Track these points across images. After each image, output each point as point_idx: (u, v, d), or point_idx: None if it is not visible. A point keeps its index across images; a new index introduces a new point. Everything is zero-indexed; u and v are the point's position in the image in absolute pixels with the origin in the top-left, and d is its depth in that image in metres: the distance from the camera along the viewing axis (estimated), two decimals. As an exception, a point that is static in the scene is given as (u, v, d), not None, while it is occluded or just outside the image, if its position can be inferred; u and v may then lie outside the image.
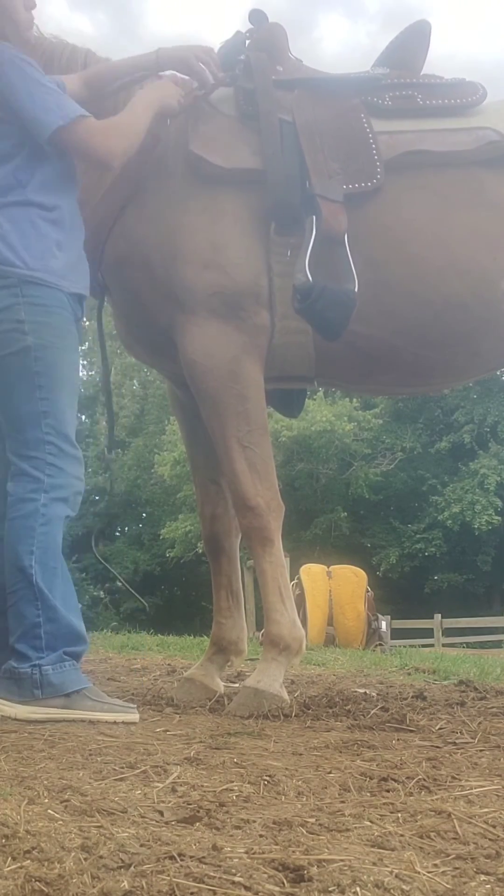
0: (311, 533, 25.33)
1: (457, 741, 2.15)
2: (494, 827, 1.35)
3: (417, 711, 2.65)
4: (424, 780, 1.66)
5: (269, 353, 2.73)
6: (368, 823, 1.35)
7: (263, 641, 2.72)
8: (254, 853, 1.17)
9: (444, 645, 15.91)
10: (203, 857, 1.14)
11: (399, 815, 1.41)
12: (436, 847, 1.25)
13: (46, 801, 1.42)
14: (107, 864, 1.11)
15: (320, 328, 2.60)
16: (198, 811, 1.39)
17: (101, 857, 1.13)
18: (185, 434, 3.16)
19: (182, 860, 1.13)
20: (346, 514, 26.06)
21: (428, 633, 17.57)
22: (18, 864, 1.09)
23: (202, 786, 1.57)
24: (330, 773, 1.73)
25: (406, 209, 2.73)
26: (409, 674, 4.31)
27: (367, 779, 1.67)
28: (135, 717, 2.34)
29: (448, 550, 26.00)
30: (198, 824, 1.33)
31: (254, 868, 1.11)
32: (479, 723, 2.43)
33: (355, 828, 1.32)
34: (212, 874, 1.08)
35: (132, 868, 1.10)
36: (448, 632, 18.19)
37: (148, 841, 1.22)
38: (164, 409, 25.41)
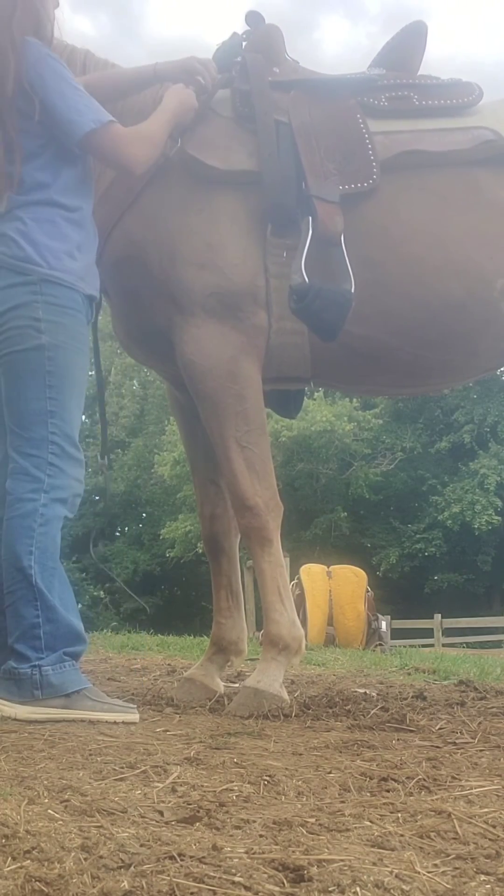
0: (311, 533, 25.34)
1: (457, 741, 2.15)
2: (494, 827, 1.35)
3: (417, 711, 2.65)
4: (424, 780, 1.66)
5: (266, 353, 2.73)
6: (368, 823, 1.35)
7: (263, 641, 2.72)
8: (254, 853, 1.17)
9: (444, 645, 15.91)
10: (203, 857, 1.14)
11: (399, 815, 1.41)
12: (436, 847, 1.25)
13: (46, 801, 1.42)
14: (107, 864, 1.11)
15: (316, 329, 2.61)
16: (198, 811, 1.39)
17: (101, 857, 1.14)
18: (185, 434, 3.17)
19: (182, 860, 1.13)
20: (346, 514, 26.07)
21: (428, 633, 17.57)
22: (18, 864, 1.10)
23: (202, 786, 1.57)
24: (330, 773, 1.73)
25: (402, 209, 2.74)
26: (409, 674, 4.31)
27: (367, 779, 1.67)
28: (135, 717, 2.33)
29: (448, 550, 26.01)
30: (198, 824, 1.33)
31: (254, 868, 1.11)
32: (479, 723, 2.43)
33: (355, 828, 1.32)
34: (212, 874, 1.08)
35: (132, 868, 1.10)
36: (448, 632, 18.19)
37: (148, 841, 1.22)
38: (164, 409, 25.42)
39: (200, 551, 18.43)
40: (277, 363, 2.77)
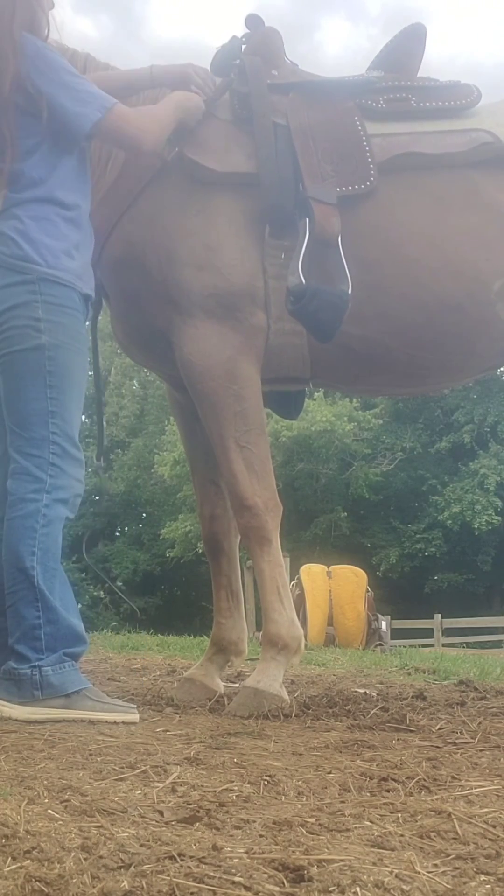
0: (311, 533, 25.35)
1: (457, 741, 2.15)
2: (494, 827, 1.35)
3: (417, 711, 2.65)
4: (424, 780, 1.66)
5: (265, 354, 2.73)
6: (368, 823, 1.35)
7: (262, 641, 2.72)
8: (254, 853, 1.17)
9: (444, 645, 15.91)
10: (203, 857, 1.14)
11: (399, 815, 1.41)
12: (436, 847, 1.25)
13: (46, 801, 1.42)
14: (107, 864, 1.11)
15: (313, 330, 2.61)
16: (198, 811, 1.39)
17: (101, 857, 1.14)
18: (184, 435, 3.17)
19: (182, 860, 1.13)
20: (346, 514, 26.09)
21: (428, 633, 17.57)
22: (18, 864, 1.10)
23: (202, 786, 1.57)
24: (330, 773, 1.73)
25: (400, 211, 2.74)
26: (409, 674, 4.31)
27: (367, 779, 1.68)
28: (135, 717, 2.34)
29: (448, 550, 26.02)
30: (198, 824, 1.33)
31: (254, 868, 1.11)
32: (479, 723, 2.43)
33: (355, 828, 1.32)
34: (212, 874, 1.08)
35: (132, 868, 1.10)
36: (448, 632, 18.19)
37: (148, 841, 1.22)
38: (164, 409, 25.43)
39: (200, 551, 18.43)
40: (276, 364, 2.77)
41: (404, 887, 1.06)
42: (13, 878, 1.05)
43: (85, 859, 1.13)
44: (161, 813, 1.39)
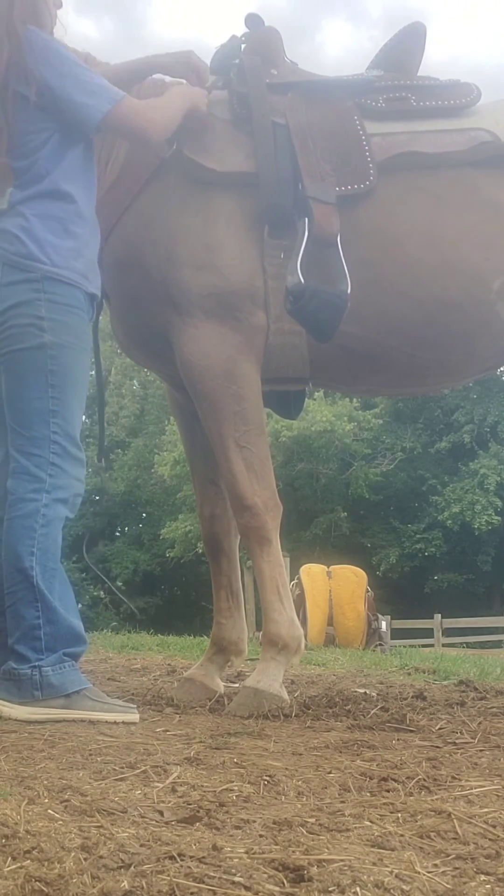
0: (311, 533, 25.35)
1: (457, 741, 2.15)
2: (494, 827, 1.35)
3: (417, 711, 2.65)
4: (424, 780, 1.66)
5: (264, 353, 2.73)
6: (368, 823, 1.35)
7: (262, 641, 2.72)
8: (254, 853, 1.17)
9: (444, 645, 15.91)
10: (203, 857, 1.14)
11: (399, 815, 1.41)
12: (436, 847, 1.25)
13: (46, 801, 1.42)
14: (107, 864, 1.11)
15: (312, 330, 2.61)
16: (198, 811, 1.39)
17: (101, 857, 1.14)
18: (184, 435, 3.17)
19: (182, 860, 1.13)
20: (346, 514, 26.08)
21: (428, 633, 17.57)
22: (18, 864, 1.10)
23: (202, 786, 1.57)
24: (330, 773, 1.73)
25: (399, 210, 2.74)
26: (409, 674, 4.31)
27: (367, 779, 1.67)
28: (135, 717, 2.34)
29: (448, 550, 26.02)
30: (198, 824, 1.33)
31: (254, 868, 1.11)
32: (479, 723, 2.43)
33: (355, 828, 1.32)
34: (212, 874, 1.08)
35: (132, 868, 1.10)
36: (448, 632, 18.19)
37: (148, 841, 1.22)
38: (164, 409, 25.43)
39: (200, 551, 18.43)
40: (276, 363, 2.77)
41: (404, 887, 1.06)
42: (13, 878, 1.05)
43: (85, 859, 1.13)
44: (161, 813, 1.39)
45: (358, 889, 1.05)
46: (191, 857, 1.14)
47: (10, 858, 1.12)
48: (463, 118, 2.83)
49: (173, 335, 2.72)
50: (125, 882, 1.05)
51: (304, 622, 8.53)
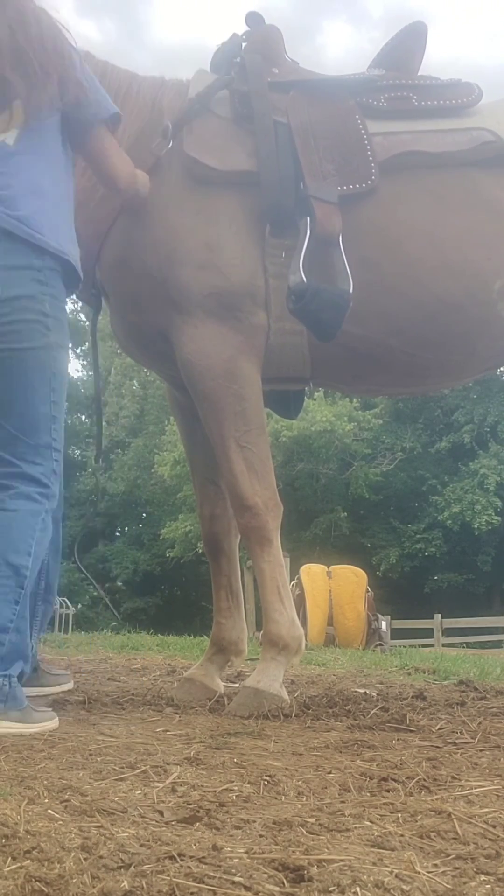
0: (311, 533, 25.35)
1: (457, 741, 2.15)
2: (494, 827, 1.35)
3: (417, 711, 2.65)
4: (424, 780, 1.66)
5: (265, 353, 2.73)
6: (368, 823, 1.35)
7: (262, 641, 2.72)
8: (254, 853, 1.17)
9: (444, 645, 15.92)
10: (203, 857, 1.14)
11: (399, 815, 1.41)
12: (436, 847, 1.25)
13: (46, 801, 1.42)
14: (107, 864, 1.11)
15: (314, 329, 2.61)
16: (198, 811, 1.39)
17: (101, 857, 1.14)
18: (184, 435, 3.17)
19: (182, 860, 1.13)
20: (346, 514, 26.09)
21: (428, 633, 17.57)
22: (18, 864, 1.10)
23: (202, 786, 1.57)
24: (330, 773, 1.73)
25: (401, 210, 2.74)
26: (409, 674, 4.31)
27: (367, 779, 1.67)
28: (55, 723, 2.21)
29: (448, 550, 26.02)
30: (198, 824, 1.33)
31: (254, 868, 1.11)
32: (479, 723, 2.43)
33: (355, 828, 1.32)
34: (212, 874, 1.08)
35: (132, 868, 1.10)
36: (448, 632, 18.19)
37: (148, 841, 1.22)
38: (164, 409, 25.42)
39: (200, 551, 18.43)
40: (277, 363, 2.77)
41: (404, 887, 1.06)
42: (13, 878, 1.05)
43: (85, 859, 1.13)
44: (161, 813, 1.39)
45: (358, 889, 1.04)
46: (191, 857, 1.14)
47: (10, 858, 1.12)
48: (464, 118, 2.83)
49: (174, 335, 2.71)
50: (125, 882, 1.05)
51: (304, 622, 8.53)
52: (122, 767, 1.70)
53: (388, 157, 2.73)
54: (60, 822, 1.30)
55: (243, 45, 2.89)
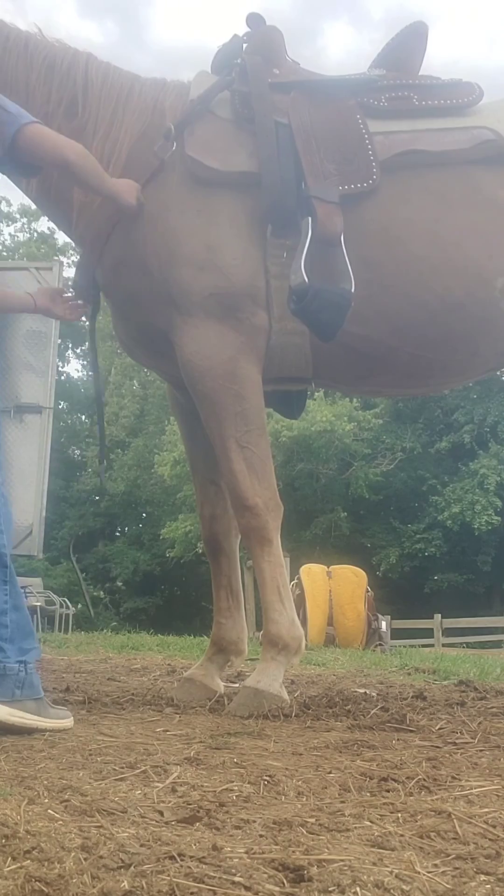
0: (311, 533, 25.33)
1: (457, 741, 2.15)
2: (494, 827, 1.35)
3: (417, 711, 2.65)
4: (424, 780, 1.66)
5: (266, 353, 2.73)
6: (368, 823, 1.35)
7: (262, 641, 2.72)
8: (254, 853, 1.17)
9: (444, 645, 15.90)
10: (203, 857, 1.14)
11: (399, 815, 1.41)
12: (436, 847, 1.25)
13: (46, 801, 1.42)
14: (107, 864, 1.11)
15: (315, 329, 2.61)
16: (198, 811, 1.39)
17: (101, 857, 1.14)
18: (185, 435, 3.17)
19: (182, 860, 1.13)
20: (346, 514, 26.06)
21: (428, 633, 17.55)
22: (18, 864, 1.10)
23: (202, 786, 1.57)
24: (330, 773, 1.73)
25: (402, 209, 2.74)
26: (409, 674, 4.31)
27: (367, 779, 1.67)
28: (70, 722, 2.19)
29: (448, 550, 25.99)
30: (198, 824, 1.33)
31: (254, 868, 1.11)
32: (479, 723, 2.43)
33: (355, 828, 1.32)
34: (212, 874, 1.08)
35: (132, 868, 1.10)
36: (448, 632, 18.17)
37: (148, 841, 1.22)
38: (164, 409, 25.42)
39: (200, 551, 18.42)
40: (278, 363, 2.77)
41: (404, 887, 1.06)
42: (13, 878, 1.05)
43: (85, 859, 1.13)
44: (161, 813, 1.39)
45: (358, 889, 1.04)
46: (191, 857, 1.14)
47: (10, 858, 1.12)
48: (465, 117, 2.83)
49: (175, 335, 2.71)
50: (125, 882, 1.05)
51: (304, 622, 8.53)
52: (122, 767, 1.70)
53: (389, 156, 2.73)
54: (60, 822, 1.30)
55: (244, 46, 2.89)
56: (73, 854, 1.14)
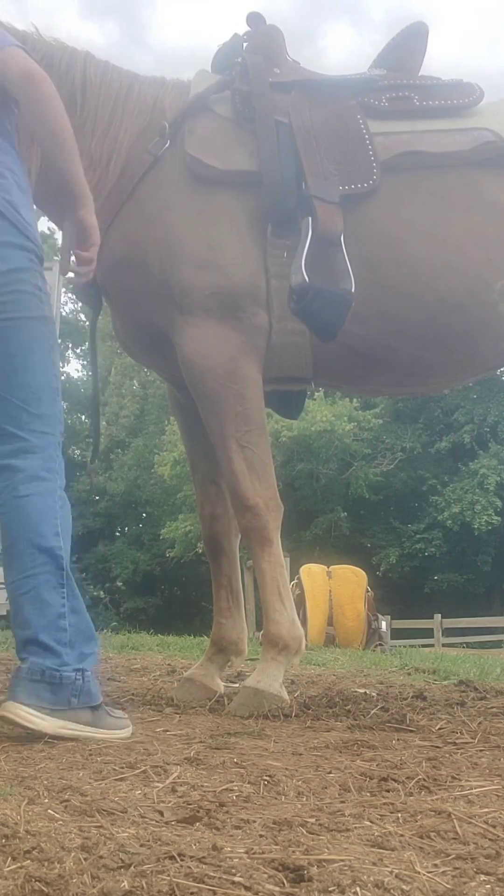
0: (311, 533, 25.34)
1: (457, 741, 2.15)
2: (494, 827, 1.35)
3: (417, 711, 2.65)
4: (424, 780, 1.66)
5: (267, 353, 2.73)
6: (368, 823, 1.35)
7: (262, 641, 2.72)
8: (254, 853, 1.17)
9: (444, 645, 15.91)
10: (203, 857, 1.14)
11: (399, 815, 1.41)
12: (436, 847, 1.25)
13: (46, 801, 1.42)
14: (107, 864, 1.11)
15: (316, 329, 2.61)
16: (198, 811, 1.39)
17: (101, 857, 1.14)
18: (185, 434, 3.17)
19: (182, 860, 1.13)
20: (346, 514, 26.07)
21: (428, 633, 17.56)
22: (18, 864, 1.10)
23: (202, 786, 1.57)
24: (330, 773, 1.73)
25: (402, 210, 2.74)
26: (409, 674, 4.31)
27: (367, 779, 1.67)
28: (129, 732, 2.13)
29: (448, 550, 26.00)
30: (198, 824, 1.33)
31: (254, 868, 1.11)
32: (479, 723, 2.43)
33: (355, 828, 1.32)
34: (212, 874, 1.08)
35: (132, 868, 1.10)
36: (448, 632, 18.19)
37: (148, 841, 1.22)
38: (164, 409, 25.41)
39: (200, 551, 18.42)
40: (278, 363, 2.77)
41: (404, 887, 1.06)
42: (13, 878, 1.05)
43: (85, 859, 1.13)
44: (161, 813, 1.39)
45: (358, 889, 1.04)
46: (191, 857, 1.14)
47: (10, 858, 1.12)
48: (466, 118, 2.83)
49: (175, 334, 2.71)
50: (125, 882, 1.05)
51: (304, 622, 8.53)
52: (122, 767, 1.70)
53: (389, 156, 2.73)
54: (60, 822, 1.30)
55: (245, 45, 2.89)
56: (73, 854, 1.14)
